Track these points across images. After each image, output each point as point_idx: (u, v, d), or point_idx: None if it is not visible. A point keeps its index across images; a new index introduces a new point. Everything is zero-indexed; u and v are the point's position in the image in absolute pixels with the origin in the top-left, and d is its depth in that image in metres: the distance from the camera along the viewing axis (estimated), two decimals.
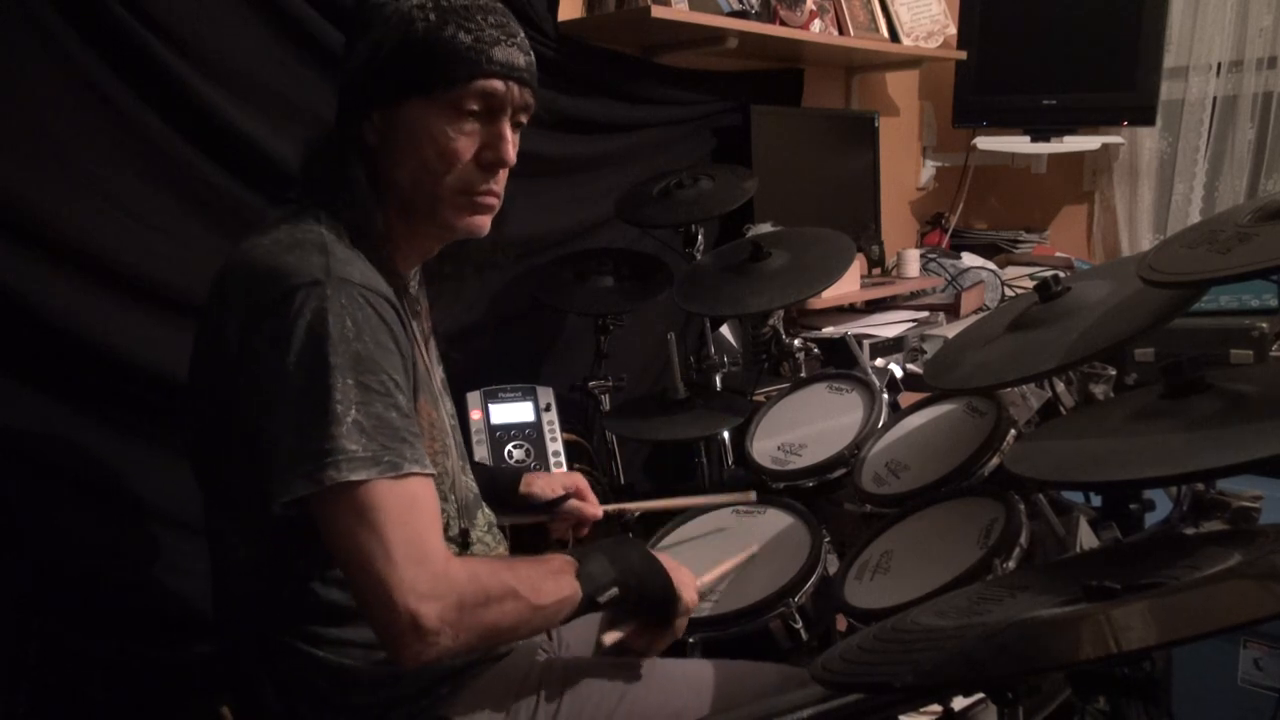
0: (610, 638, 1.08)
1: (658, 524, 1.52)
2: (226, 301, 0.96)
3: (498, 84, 1.01)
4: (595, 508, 1.40)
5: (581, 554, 1.04)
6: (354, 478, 0.87)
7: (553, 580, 0.99)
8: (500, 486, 1.35)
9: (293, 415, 0.89)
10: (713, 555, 1.35)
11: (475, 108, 1.01)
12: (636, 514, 1.57)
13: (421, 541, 0.90)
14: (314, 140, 1.08)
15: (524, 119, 1.08)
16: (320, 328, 0.89)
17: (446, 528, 1.07)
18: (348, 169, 1.02)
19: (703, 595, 1.24)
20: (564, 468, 1.78)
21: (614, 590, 1.02)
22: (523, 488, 1.37)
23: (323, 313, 0.89)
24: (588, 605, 1.01)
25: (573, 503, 1.38)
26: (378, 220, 1.02)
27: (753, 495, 1.49)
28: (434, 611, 0.87)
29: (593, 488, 1.66)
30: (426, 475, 0.93)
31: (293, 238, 0.96)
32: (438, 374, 1.17)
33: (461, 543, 1.10)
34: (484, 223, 1.08)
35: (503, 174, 1.06)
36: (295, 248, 0.94)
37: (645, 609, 1.09)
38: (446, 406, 1.16)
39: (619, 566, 1.04)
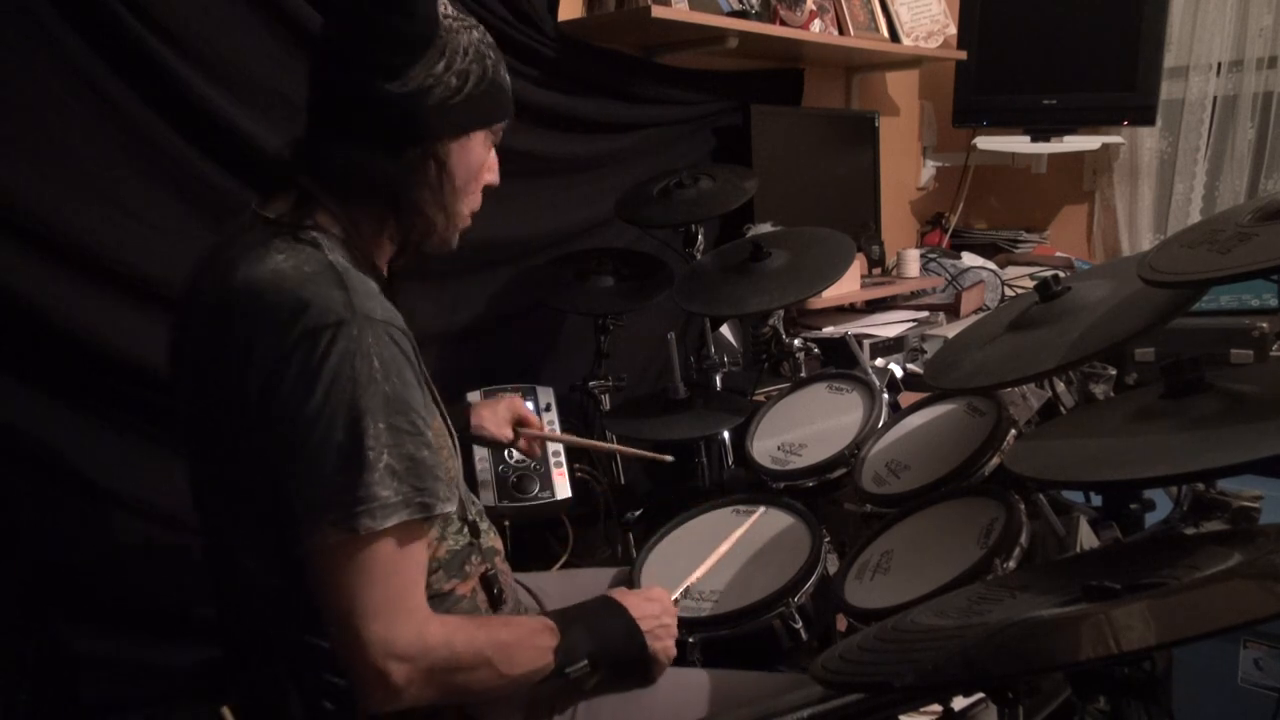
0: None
1: (659, 523, 1.51)
2: (227, 332, 0.93)
3: None
4: (535, 429, 1.53)
5: (568, 622, 1.04)
6: (388, 524, 0.87)
7: (529, 652, 0.99)
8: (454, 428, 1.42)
9: (324, 461, 0.87)
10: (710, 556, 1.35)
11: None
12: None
13: (406, 597, 0.91)
14: (351, 165, 1.01)
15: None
16: (348, 370, 0.88)
17: (454, 523, 1.07)
18: (401, 194, 1.02)
19: (683, 596, 1.27)
20: (564, 468, 1.78)
21: (584, 664, 1.02)
22: (474, 428, 1.45)
23: (350, 355, 0.88)
24: (556, 674, 1.01)
25: (521, 444, 1.51)
26: (373, 236, 1.04)
27: (668, 458, 1.60)
28: (403, 672, 0.89)
29: (592, 488, 1.69)
30: (443, 515, 0.95)
31: (301, 270, 0.93)
32: None
33: (474, 533, 1.10)
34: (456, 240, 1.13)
35: None
36: (310, 281, 0.92)
37: (616, 678, 1.09)
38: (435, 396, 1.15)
39: (597, 641, 1.04)
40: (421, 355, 1.21)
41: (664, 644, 1.10)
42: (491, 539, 1.18)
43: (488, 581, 1.09)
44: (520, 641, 0.99)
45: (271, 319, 0.90)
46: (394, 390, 0.90)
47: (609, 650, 1.05)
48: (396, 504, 0.88)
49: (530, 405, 1.81)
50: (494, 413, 1.48)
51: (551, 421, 1.80)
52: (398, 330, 0.94)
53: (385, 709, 0.90)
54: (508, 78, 1.07)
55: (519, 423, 1.49)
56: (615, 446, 1.73)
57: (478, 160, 1.07)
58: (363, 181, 1.01)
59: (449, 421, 1.12)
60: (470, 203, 1.09)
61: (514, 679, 0.98)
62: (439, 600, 1.04)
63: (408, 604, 0.91)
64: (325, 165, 1.01)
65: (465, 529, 1.09)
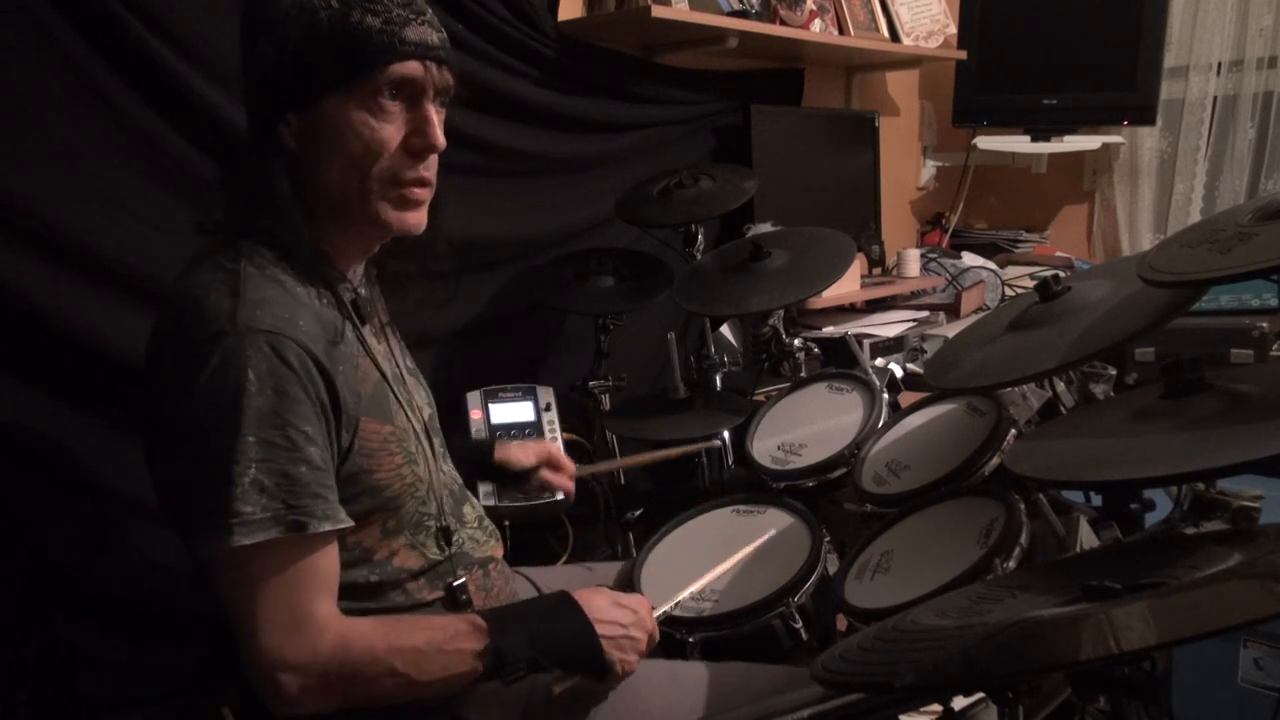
0: (559, 687, 1.04)
1: (659, 523, 1.51)
2: (155, 346, 0.96)
3: (415, 66, 0.97)
4: (567, 480, 1.44)
5: (503, 623, 0.99)
6: (247, 542, 0.86)
7: (446, 657, 0.95)
8: (477, 459, 1.39)
9: (194, 474, 0.88)
10: (709, 560, 1.35)
11: (395, 93, 0.97)
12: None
13: (297, 610, 0.90)
14: (231, 158, 1.03)
15: (444, 100, 1.03)
16: (220, 383, 0.87)
17: (427, 529, 1.06)
18: (272, 182, 0.96)
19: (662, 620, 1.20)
20: None
21: (521, 670, 0.97)
22: (498, 454, 1.38)
23: (223, 368, 0.87)
24: (489, 678, 0.97)
25: (543, 473, 1.40)
26: (306, 231, 0.99)
27: (716, 443, 1.56)
28: (295, 682, 0.89)
29: (593, 488, 1.66)
30: (334, 532, 0.92)
31: (212, 277, 0.93)
32: (405, 366, 1.15)
33: (445, 539, 1.08)
34: (419, 219, 1.03)
35: (433, 160, 1.02)
36: (209, 291, 0.92)
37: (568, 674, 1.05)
38: (421, 397, 1.13)
39: (539, 645, 0.99)
40: (417, 355, 1.20)
41: (624, 656, 1.04)
42: (491, 547, 1.17)
43: (452, 592, 1.07)
44: (435, 645, 0.95)
45: (169, 330, 0.93)
46: (269, 404, 0.88)
47: (553, 654, 1.00)
48: (263, 520, 0.87)
49: (530, 405, 1.82)
50: (523, 445, 1.45)
51: (552, 421, 1.80)
52: (284, 340, 0.90)
53: (286, 715, 0.91)
54: (374, 20, 0.94)
55: (549, 461, 1.42)
56: (652, 455, 1.60)
57: (355, 124, 0.96)
58: (237, 187, 1.01)
59: (414, 420, 1.09)
60: (384, 169, 0.98)
61: (429, 684, 0.95)
62: (421, 610, 1.04)
63: (298, 616, 0.90)
64: (228, 181, 1.04)
65: (440, 536, 1.07)
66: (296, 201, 0.98)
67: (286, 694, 0.89)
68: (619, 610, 1.06)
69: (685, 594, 1.24)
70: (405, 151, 0.99)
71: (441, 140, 1.00)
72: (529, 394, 1.83)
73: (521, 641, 0.98)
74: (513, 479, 1.39)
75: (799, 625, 1.25)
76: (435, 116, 1.00)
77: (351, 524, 0.95)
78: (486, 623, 0.98)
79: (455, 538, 1.10)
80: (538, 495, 1.43)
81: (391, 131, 0.98)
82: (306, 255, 0.99)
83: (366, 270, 1.13)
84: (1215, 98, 3.04)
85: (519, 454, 1.40)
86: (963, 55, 3.05)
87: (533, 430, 1.73)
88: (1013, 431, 1.34)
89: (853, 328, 2.45)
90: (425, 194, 1.03)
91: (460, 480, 1.19)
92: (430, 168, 1.02)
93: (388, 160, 0.98)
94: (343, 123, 0.96)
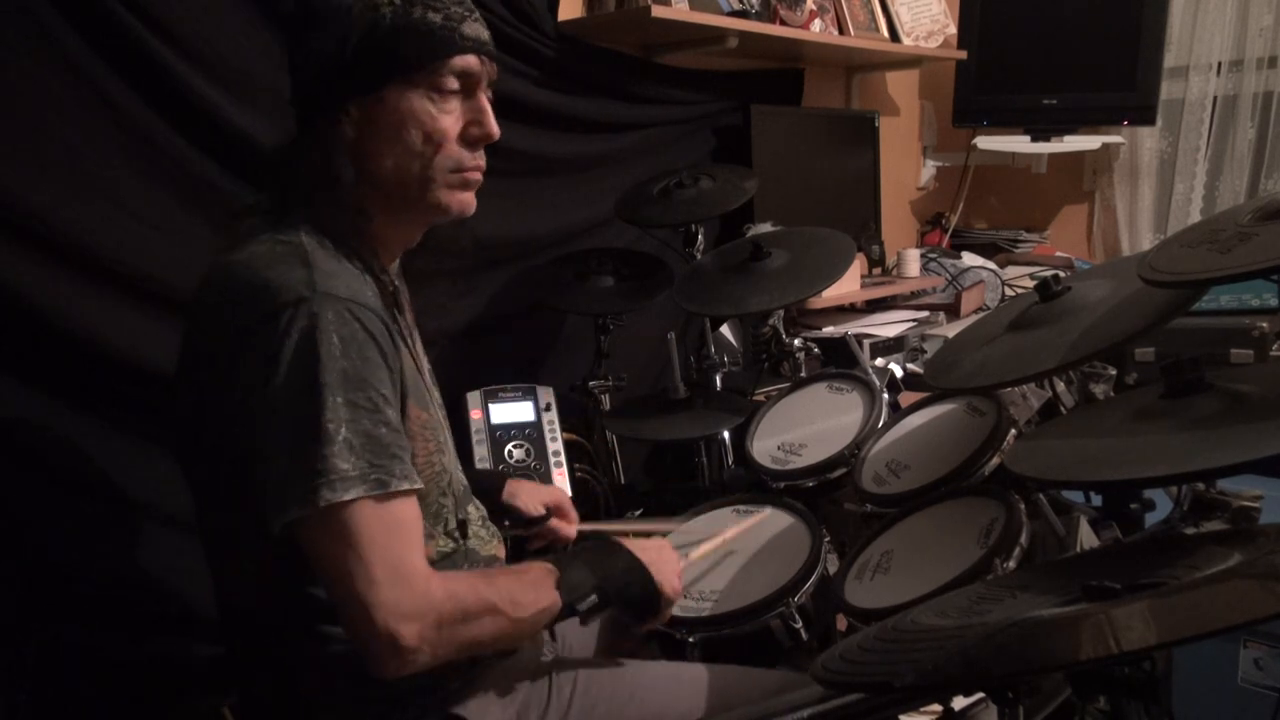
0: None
1: None
2: (210, 320, 0.97)
3: (473, 59, 1.02)
4: (572, 527, 1.42)
5: (564, 562, 1.05)
6: (346, 497, 0.88)
7: (532, 592, 1.00)
8: (483, 490, 1.34)
9: (285, 437, 0.89)
10: (712, 558, 1.35)
11: (454, 86, 1.02)
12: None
13: (402, 562, 0.91)
14: (284, 147, 1.06)
15: (491, 91, 1.08)
16: (308, 347, 0.89)
17: (445, 521, 1.07)
18: (333, 168, 1.00)
19: (687, 585, 1.26)
20: (564, 468, 1.78)
21: (593, 598, 1.03)
22: (505, 495, 1.37)
23: (310, 331, 0.89)
24: (567, 613, 1.02)
25: (553, 522, 1.39)
26: (362, 218, 1.02)
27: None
28: (413, 631, 0.90)
29: (593, 488, 1.65)
30: (413, 491, 0.94)
31: (273, 251, 0.95)
32: (425, 365, 1.17)
33: (462, 532, 1.10)
34: (473, 200, 1.08)
35: (483, 148, 1.08)
36: (277, 262, 0.93)
37: (627, 611, 1.11)
38: (436, 398, 1.15)
39: (600, 575, 1.05)
40: (420, 351, 1.21)
41: (668, 579, 1.11)
42: (494, 546, 1.18)
43: None
44: (521, 583, 1.00)
45: (238, 301, 0.93)
46: (352, 367, 0.90)
47: (614, 583, 1.06)
48: (354, 478, 0.89)
49: (530, 405, 1.82)
50: (535, 488, 1.43)
51: (552, 421, 1.80)
52: (362, 308, 0.93)
53: (403, 673, 0.91)
54: (435, 16, 0.99)
55: (557, 510, 1.42)
56: (671, 524, 1.50)
57: (417, 113, 1.00)
58: (296, 171, 1.02)
59: (439, 412, 1.12)
60: (447, 157, 1.03)
61: (524, 621, 0.99)
62: None
63: (403, 569, 0.91)
64: (282, 168, 1.05)
65: (456, 529, 1.09)
66: (354, 187, 1.01)
67: (406, 644, 0.90)
68: (645, 546, 1.13)
69: (700, 551, 1.29)
70: (463, 140, 1.04)
71: (496, 130, 1.05)
72: (529, 394, 1.83)
73: (586, 574, 1.04)
74: (518, 524, 1.39)
75: (799, 625, 1.25)
76: (489, 107, 1.05)
77: (422, 486, 0.96)
78: (549, 562, 1.04)
79: (467, 528, 1.11)
80: (537, 541, 1.41)
81: (450, 122, 1.02)
82: (356, 240, 1.02)
83: (401, 268, 1.16)
84: (1215, 98, 3.04)
85: (529, 502, 1.39)
86: (963, 55, 3.05)
87: (533, 430, 1.72)
88: (1013, 431, 1.34)
89: (853, 328, 2.45)
90: (480, 177, 1.08)
91: (466, 482, 1.20)
92: (483, 156, 1.07)
93: (449, 149, 1.03)
94: (404, 112, 1.00)
